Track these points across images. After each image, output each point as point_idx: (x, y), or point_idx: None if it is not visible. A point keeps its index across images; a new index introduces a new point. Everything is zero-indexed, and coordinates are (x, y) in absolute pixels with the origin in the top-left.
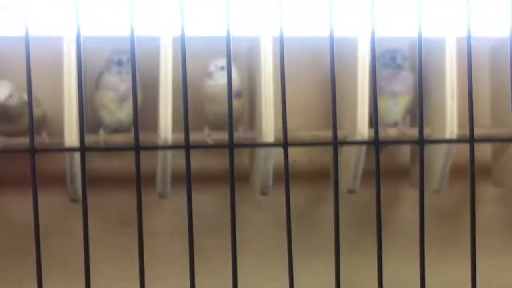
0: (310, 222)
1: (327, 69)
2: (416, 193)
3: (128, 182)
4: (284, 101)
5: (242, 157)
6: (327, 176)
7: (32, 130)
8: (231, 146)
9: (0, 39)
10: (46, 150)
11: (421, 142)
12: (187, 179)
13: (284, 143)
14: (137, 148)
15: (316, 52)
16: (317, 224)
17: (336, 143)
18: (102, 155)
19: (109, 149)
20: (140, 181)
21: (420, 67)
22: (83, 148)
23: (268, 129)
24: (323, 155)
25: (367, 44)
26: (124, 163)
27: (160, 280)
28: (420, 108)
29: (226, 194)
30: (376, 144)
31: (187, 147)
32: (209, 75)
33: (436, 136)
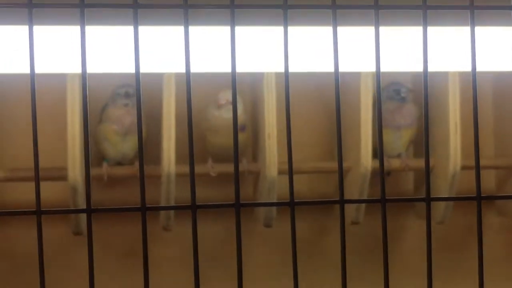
0: (314, 252)
1: (329, 104)
2: (420, 223)
3: (131, 212)
4: (289, 141)
5: (246, 188)
6: (330, 206)
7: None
8: (237, 205)
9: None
10: (52, 211)
11: (427, 199)
12: (193, 241)
13: (291, 200)
14: (143, 208)
15: (318, 87)
16: (322, 254)
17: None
18: (106, 186)
19: (116, 209)
20: (146, 241)
21: (426, 105)
22: (89, 210)
23: (272, 161)
24: (326, 186)
25: (370, 78)
26: (127, 194)
27: None
28: (426, 169)
29: (231, 224)
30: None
31: (193, 207)
32: (218, 106)
33: (440, 167)
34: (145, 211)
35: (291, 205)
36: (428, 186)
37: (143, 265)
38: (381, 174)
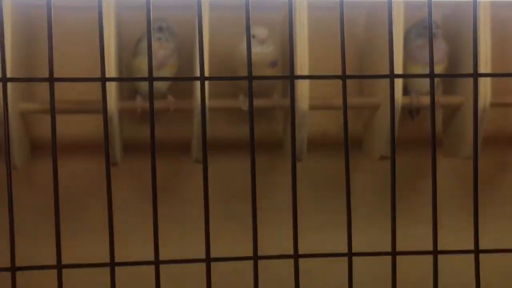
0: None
1: (360, 37)
2: (448, 161)
3: (163, 148)
4: None
5: (276, 124)
6: (359, 144)
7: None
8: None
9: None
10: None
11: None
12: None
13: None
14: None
15: (350, 19)
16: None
17: None
18: (138, 121)
19: None
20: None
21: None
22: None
23: (303, 94)
24: (355, 123)
25: (401, 10)
26: (160, 128)
27: (197, 245)
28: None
29: (263, 162)
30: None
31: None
32: (259, 41)
33: (469, 104)
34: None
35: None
36: None
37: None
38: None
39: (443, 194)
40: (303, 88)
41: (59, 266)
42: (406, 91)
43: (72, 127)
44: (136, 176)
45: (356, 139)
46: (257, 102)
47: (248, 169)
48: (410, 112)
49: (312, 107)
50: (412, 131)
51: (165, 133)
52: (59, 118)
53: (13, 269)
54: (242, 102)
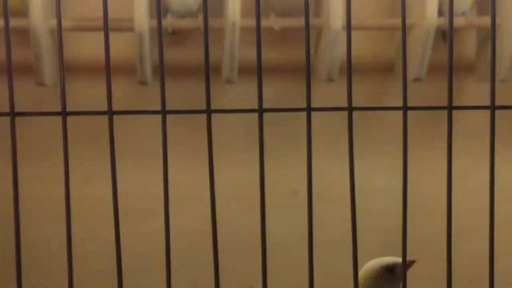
0: (373, 115)
1: None
2: (481, 85)
3: (195, 69)
4: None
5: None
6: (391, 68)
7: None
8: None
9: None
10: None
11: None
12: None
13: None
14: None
15: None
16: (380, 118)
17: None
18: (170, 42)
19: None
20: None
21: None
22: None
23: (336, 12)
24: (387, 48)
25: None
26: (190, 49)
27: (227, 170)
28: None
29: (294, 86)
30: None
31: None
32: None
33: (507, 26)
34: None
35: None
36: None
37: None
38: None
39: (477, 119)
40: (336, 4)
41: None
42: (440, 12)
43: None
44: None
45: (388, 62)
46: (288, 22)
47: (281, 93)
48: (444, 34)
49: (345, 27)
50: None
51: (195, 54)
52: (89, 36)
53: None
54: (273, 22)
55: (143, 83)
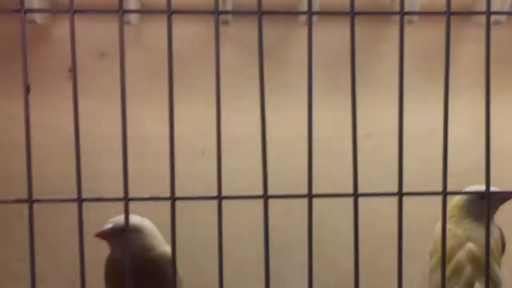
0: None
1: None
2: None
3: (271, 11)
4: None
5: None
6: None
7: None
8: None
9: None
10: None
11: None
12: None
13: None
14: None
15: None
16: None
17: None
18: None
19: None
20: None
21: None
22: None
23: None
24: None
25: None
26: None
27: (297, 108)
28: None
29: (364, 30)
30: None
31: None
32: None
33: None
34: None
35: None
36: None
37: None
38: None
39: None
40: None
41: None
42: None
43: None
44: (245, 37)
45: (464, 7)
46: None
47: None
48: None
49: None
50: None
51: None
52: None
53: None
54: None
55: (225, 23)
